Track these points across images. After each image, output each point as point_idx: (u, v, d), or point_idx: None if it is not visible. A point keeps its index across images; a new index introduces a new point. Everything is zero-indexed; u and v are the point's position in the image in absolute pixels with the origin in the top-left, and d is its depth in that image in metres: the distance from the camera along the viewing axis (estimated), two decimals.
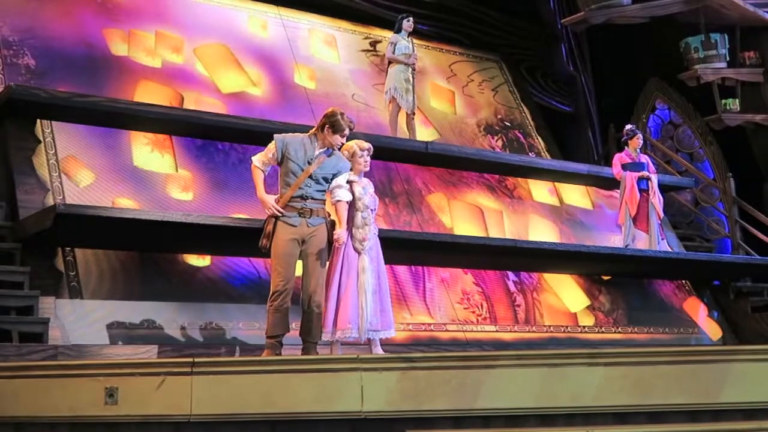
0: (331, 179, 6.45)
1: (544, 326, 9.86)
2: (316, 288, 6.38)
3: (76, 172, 8.22)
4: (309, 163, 6.34)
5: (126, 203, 8.26)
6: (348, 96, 11.33)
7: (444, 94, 12.62)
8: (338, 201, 6.50)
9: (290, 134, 6.49)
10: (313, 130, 6.48)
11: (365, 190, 6.68)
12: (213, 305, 7.98)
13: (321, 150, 6.40)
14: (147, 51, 10.11)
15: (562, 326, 9.99)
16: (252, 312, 7.98)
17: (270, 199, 6.31)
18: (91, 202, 7.89)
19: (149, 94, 9.57)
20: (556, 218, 11.29)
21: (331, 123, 6.39)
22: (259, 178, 6.40)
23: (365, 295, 6.51)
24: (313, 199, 6.37)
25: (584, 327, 10.16)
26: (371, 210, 6.70)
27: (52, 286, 7.36)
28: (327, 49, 11.86)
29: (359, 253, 6.59)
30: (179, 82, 10.05)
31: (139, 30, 10.22)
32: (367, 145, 6.84)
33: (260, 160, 6.43)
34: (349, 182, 6.63)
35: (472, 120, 12.41)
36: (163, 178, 8.68)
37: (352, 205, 6.61)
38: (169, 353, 7.28)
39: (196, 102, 9.89)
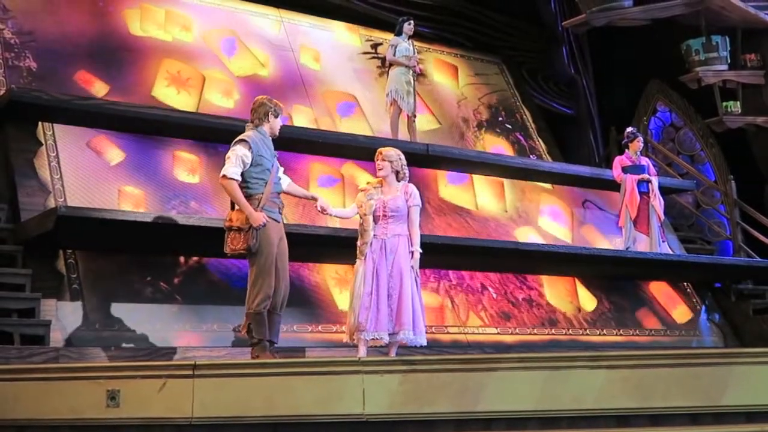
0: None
1: (546, 329, 9.85)
2: (287, 289, 6.49)
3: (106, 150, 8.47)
4: (275, 157, 6.46)
5: (131, 191, 8.32)
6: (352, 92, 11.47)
7: (448, 69, 12.84)
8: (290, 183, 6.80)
9: (250, 134, 6.41)
10: (254, 123, 6.49)
11: (369, 198, 6.76)
12: (215, 307, 7.97)
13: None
14: (158, 25, 10.42)
15: (564, 328, 9.98)
16: None
17: (261, 214, 6.23)
18: (97, 188, 7.99)
19: (174, 73, 9.98)
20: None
21: (273, 109, 6.51)
22: (239, 191, 6.25)
23: (353, 299, 6.66)
24: (279, 193, 6.53)
25: (586, 329, 10.15)
26: (377, 216, 6.73)
27: (53, 289, 7.36)
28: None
29: (360, 258, 6.72)
30: (197, 62, 10.38)
31: (149, 5, 10.53)
32: (380, 150, 6.98)
33: (236, 171, 6.24)
34: (361, 190, 6.89)
35: (473, 122, 12.43)
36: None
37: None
38: (171, 356, 7.28)
39: (212, 81, 10.23)
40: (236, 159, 6.24)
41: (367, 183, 6.98)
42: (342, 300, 8.62)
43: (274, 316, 6.39)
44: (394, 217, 6.72)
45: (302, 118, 10.52)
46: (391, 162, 6.81)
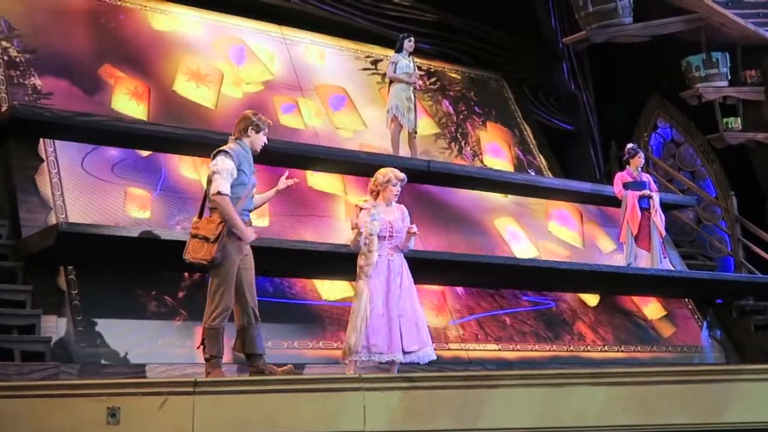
0: None
1: (547, 345, 9.83)
2: (256, 302, 6.32)
3: None
4: (253, 174, 6.30)
5: (138, 192, 8.41)
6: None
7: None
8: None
9: (231, 146, 6.25)
10: (234, 137, 6.32)
11: (373, 217, 6.64)
12: None
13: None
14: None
15: (565, 345, 9.96)
16: None
17: (251, 230, 6.14)
18: (99, 203, 8.07)
19: (193, 69, 10.42)
20: None
21: (254, 124, 6.31)
22: (232, 208, 6.07)
23: (357, 320, 6.49)
24: (251, 210, 6.37)
25: (587, 346, 10.13)
26: (382, 237, 6.65)
27: (54, 305, 7.35)
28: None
29: (364, 279, 6.59)
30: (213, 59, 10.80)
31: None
32: (402, 175, 6.84)
33: (226, 187, 6.09)
34: (361, 209, 6.70)
35: (473, 136, 12.48)
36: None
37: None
38: (172, 372, 7.26)
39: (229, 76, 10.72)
40: (226, 173, 6.09)
41: (364, 201, 6.87)
42: (324, 289, 8.75)
43: (251, 329, 6.26)
44: (397, 238, 6.71)
45: (309, 107, 10.92)
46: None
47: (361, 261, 6.62)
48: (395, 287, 6.62)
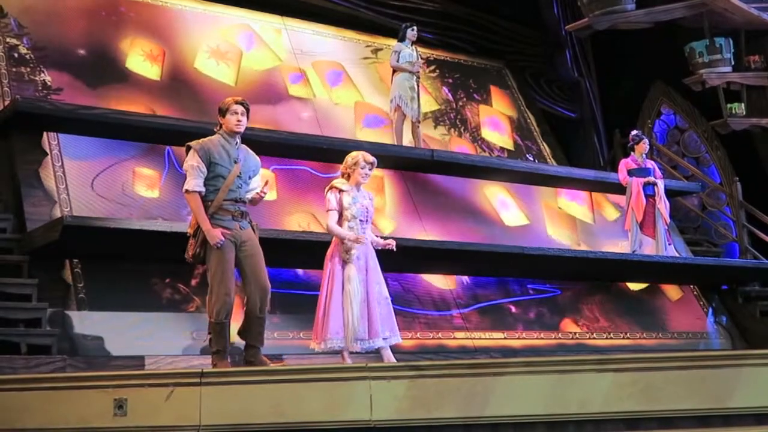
0: (251, 177, 6.28)
1: (552, 333, 9.84)
2: (267, 291, 6.18)
3: None
4: (236, 162, 6.14)
5: (147, 173, 8.48)
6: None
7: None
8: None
9: (202, 140, 6.17)
10: (216, 128, 6.27)
11: (354, 201, 6.62)
12: None
13: (236, 148, 6.22)
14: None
15: (571, 332, 9.97)
16: None
17: (218, 232, 6.00)
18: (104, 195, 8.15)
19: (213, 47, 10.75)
20: None
21: (220, 111, 6.21)
22: (200, 206, 6.02)
23: (350, 305, 6.45)
24: (243, 201, 6.20)
25: (592, 333, 10.13)
26: (361, 221, 6.64)
27: (60, 298, 7.37)
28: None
29: (345, 263, 6.54)
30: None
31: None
32: (372, 158, 6.76)
33: (195, 183, 6.00)
34: (340, 191, 6.62)
35: (472, 123, 12.49)
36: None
37: (339, 215, 6.61)
38: (178, 364, 7.28)
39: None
40: (193, 170, 6.03)
41: (338, 184, 6.70)
42: None
43: (253, 318, 6.18)
44: (369, 222, 6.73)
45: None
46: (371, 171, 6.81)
47: (347, 245, 6.52)
48: (371, 272, 6.60)
